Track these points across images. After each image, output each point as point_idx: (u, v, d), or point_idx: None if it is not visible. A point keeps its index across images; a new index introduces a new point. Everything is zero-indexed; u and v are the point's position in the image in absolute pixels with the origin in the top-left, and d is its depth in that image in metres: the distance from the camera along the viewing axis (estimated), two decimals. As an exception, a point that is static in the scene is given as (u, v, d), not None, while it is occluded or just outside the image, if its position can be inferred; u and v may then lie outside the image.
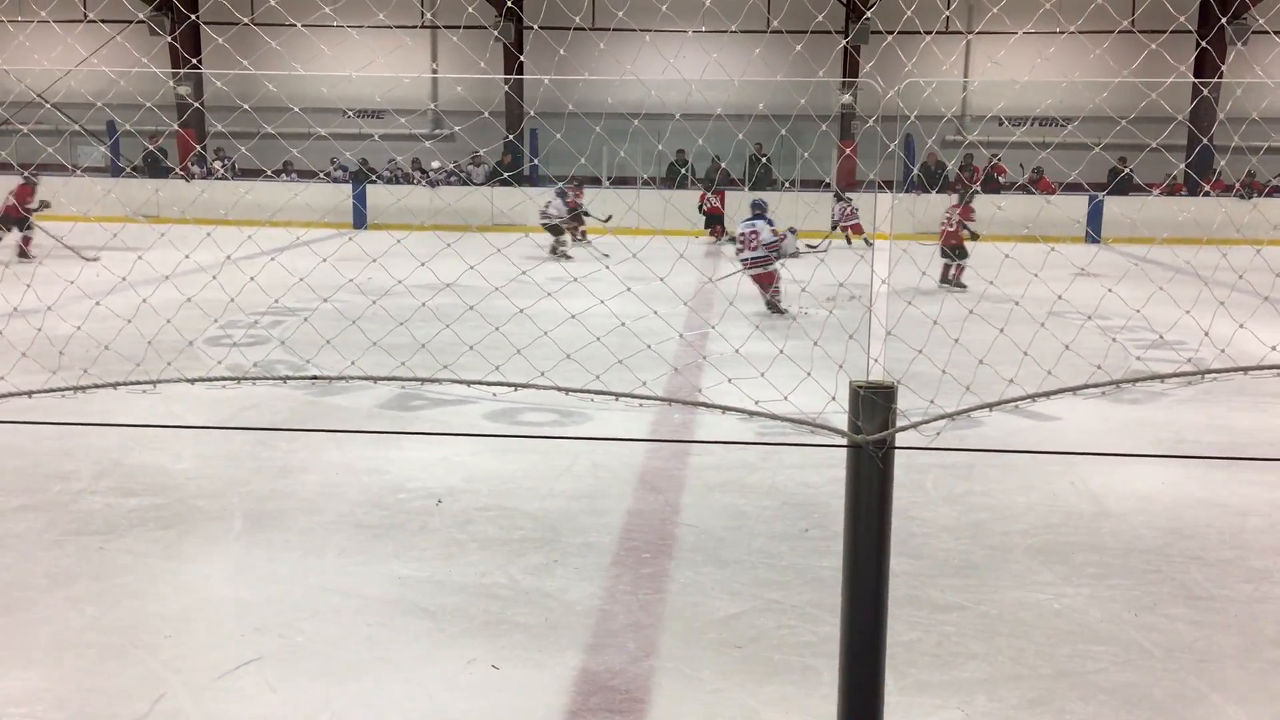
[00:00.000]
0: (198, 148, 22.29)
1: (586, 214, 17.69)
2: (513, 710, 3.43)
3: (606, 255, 16.00)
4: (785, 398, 2.56)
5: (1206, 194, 16.83)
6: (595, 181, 18.88)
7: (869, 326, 2.21)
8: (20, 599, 4.15)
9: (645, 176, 20.12)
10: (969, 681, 3.62)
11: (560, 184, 17.98)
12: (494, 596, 4.24)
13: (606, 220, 15.78)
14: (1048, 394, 2.00)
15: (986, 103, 23.25)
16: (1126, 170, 5.17)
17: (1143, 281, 4.03)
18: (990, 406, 2.04)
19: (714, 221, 20.19)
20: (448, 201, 19.45)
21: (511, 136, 20.00)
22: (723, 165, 20.89)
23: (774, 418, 2.05)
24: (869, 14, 19.23)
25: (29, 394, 2.20)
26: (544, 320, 4.26)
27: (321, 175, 21.56)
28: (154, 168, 21.85)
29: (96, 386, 2.01)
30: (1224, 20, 4.45)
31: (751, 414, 2.08)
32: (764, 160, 21.33)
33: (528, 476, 5.72)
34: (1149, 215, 17.76)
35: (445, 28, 24.84)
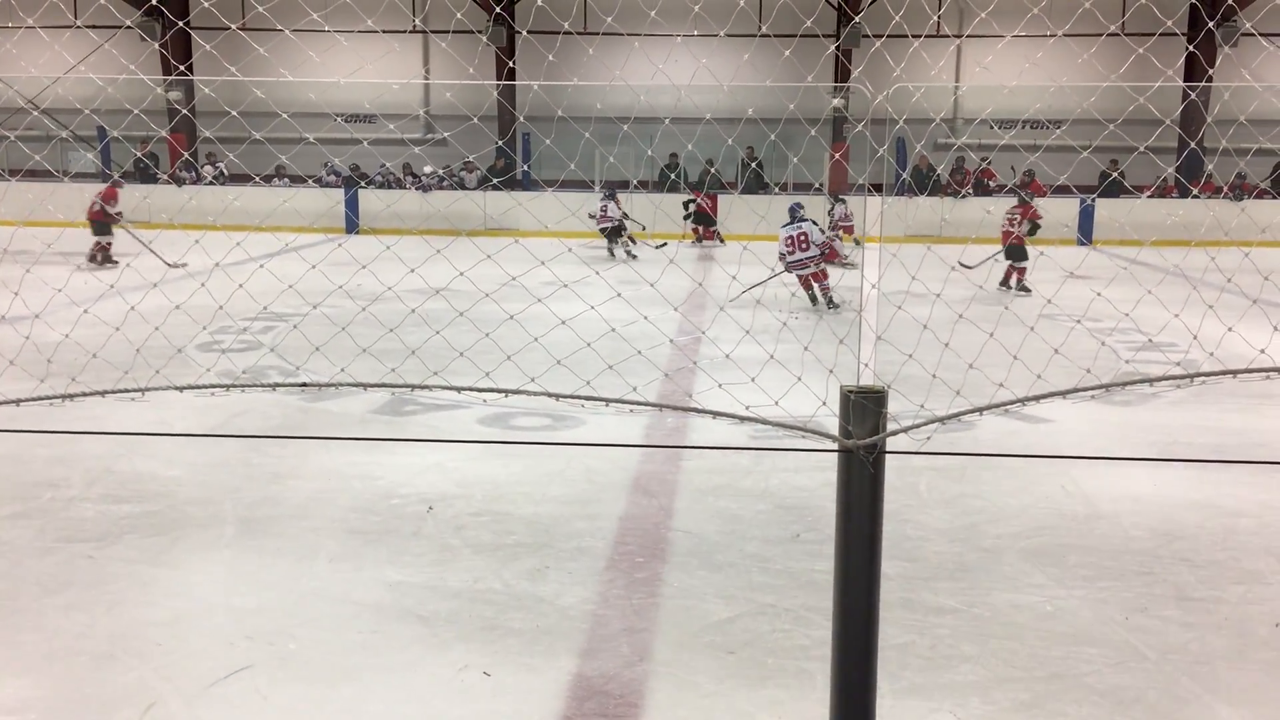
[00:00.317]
0: (185, 154, 22.24)
1: (627, 217, 18.24)
2: (507, 716, 3.42)
3: (664, 244, 16.44)
4: (776, 403, 2.57)
5: (1196, 196, 16.89)
6: (623, 185, 19.02)
7: (859, 331, 2.21)
8: (11, 607, 4.14)
9: (635, 180, 20.14)
10: (962, 684, 3.62)
11: (607, 189, 18.46)
12: (487, 602, 4.23)
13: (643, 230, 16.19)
14: (1038, 398, 2.01)
15: (977, 106, 23.33)
16: (1116, 174, 5.18)
17: (1132, 284, 4.05)
18: (980, 410, 2.04)
19: (702, 221, 20.10)
20: (437, 207, 19.45)
21: (501, 142, 20.01)
22: (713, 169, 20.90)
23: (765, 423, 2.05)
24: (858, 18, 19.28)
25: (17, 402, 2.19)
26: (536, 325, 4.26)
27: (312, 181, 21.53)
28: (144, 174, 21.79)
29: (85, 394, 2.00)
30: (1211, 24, 4.46)
31: (743, 419, 2.08)
32: (755, 164, 21.35)
33: (520, 481, 5.72)
34: (1139, 218, 17.81)
35: (436, 32, 24.84)
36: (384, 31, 22.21)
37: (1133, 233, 16.24)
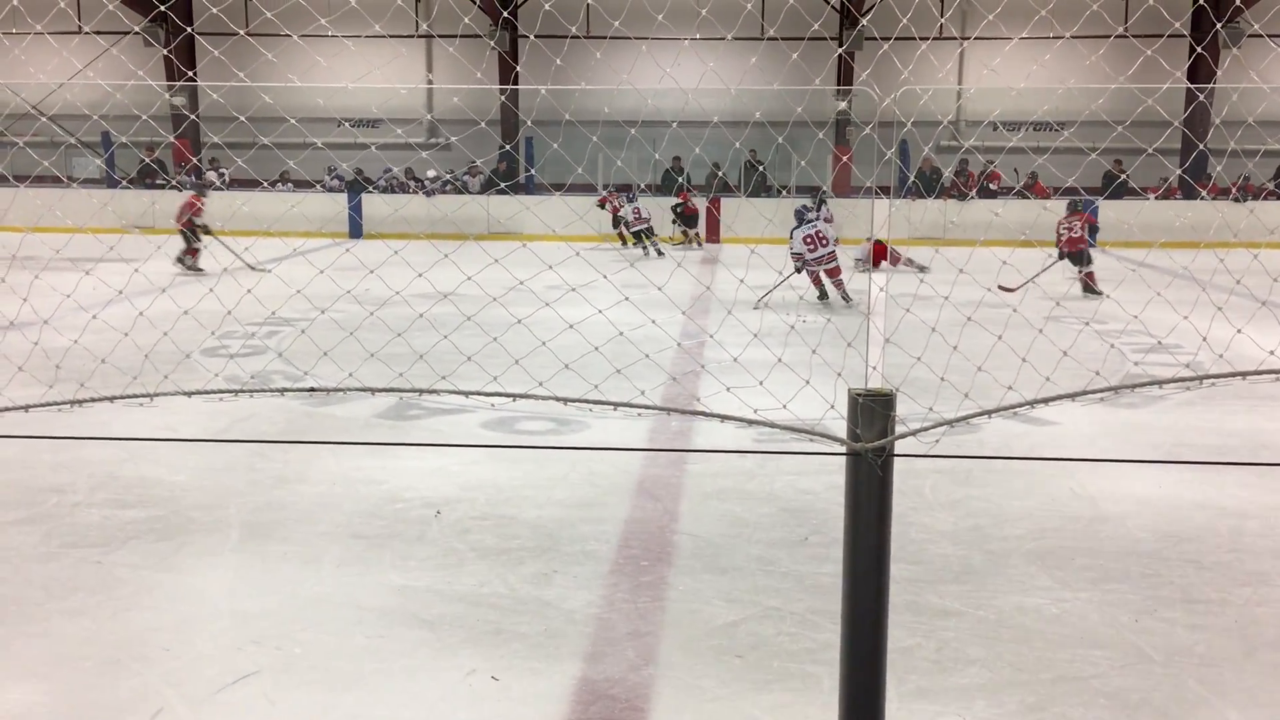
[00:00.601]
0: (194, 160, 22.29)
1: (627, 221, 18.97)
2: (512, 720, 3.42)
3: (697, 234, 17.05)
4: (784, 406, 2.56)
5: (1202, 198, 16.85)
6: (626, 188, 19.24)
7: (867, 333, 2.21)
8: (16, 612, 4.14)
9: (642, 184, 20.12)
10: (969, 687, 3.61)
11: (629, 193, 19.15)
12: (492, 606, 4.23)
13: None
14: (1046, 400, 2.00)
15: (982, 108, 23.30)
16: (1124, 176, 5.17)
17: (1139, 286, 4.04)
18: (989, 413, 2.04)
19: (690, 222, 20.03)
20: (445, 212, 19.49)
21: (509, 146, 20.02)
22: (720, 173, 20.90)
23: (773, 426, 2.04)
24: (865, 21, 19.26)
25: (25, 408, 2.20)
26: (542, 329, 4.26)
27: (318, 186, 21.55)
28: (149, 179, 21.83)
29: (94, 400, 2.00)
30: (1220, 25, 4.45)
31: (751, 422, 2.07)
32: (759, 167, 21.34)
33: (525, 485, 5.71)
34: (1144, 219, 17.79)
35: (441, 36, 24.88)
36: (389, 36, 22.24)
37: (1140, 234, 16.20)
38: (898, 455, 2.00)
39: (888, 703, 2.68)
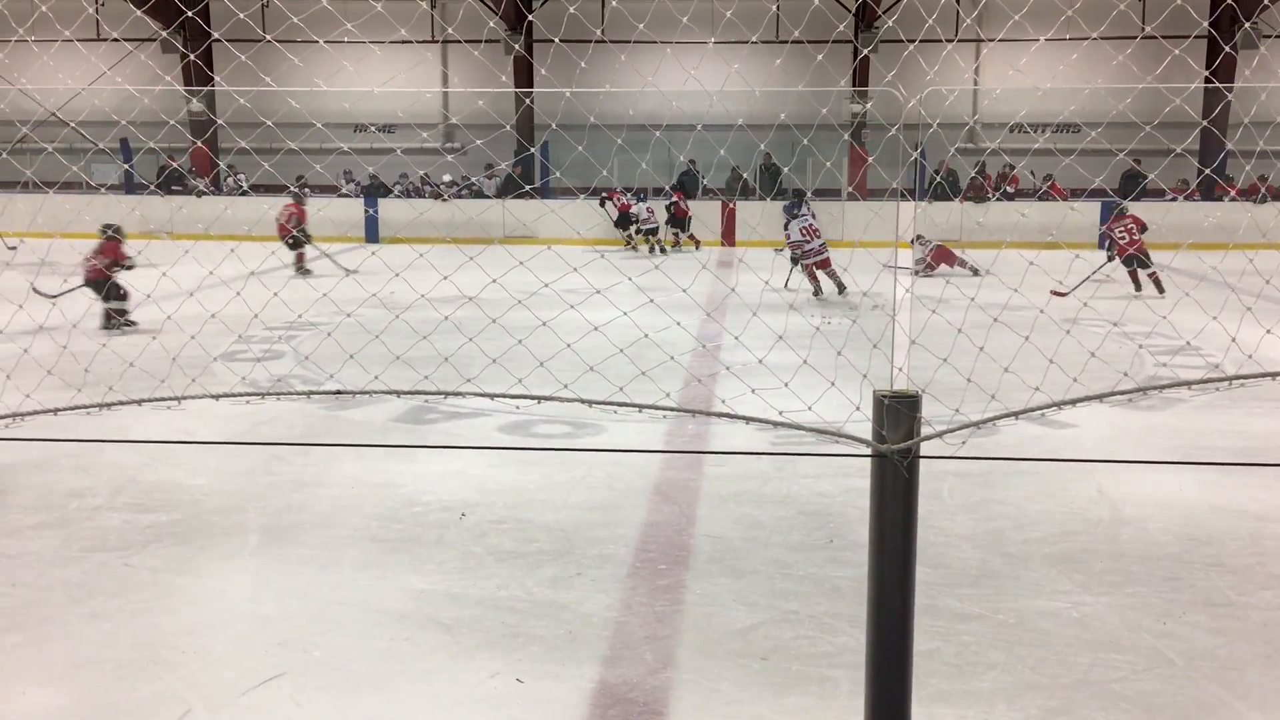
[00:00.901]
0: (222, 165, 22.41)
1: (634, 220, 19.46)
2: (530, 723, 3.42)
3: (691, 235, 18.22)
4: (809, 408, 2.56)
5: (1230, 199, 16.75)
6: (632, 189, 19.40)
7: (893, 335, 2.20)
8: (37, 615, 4.16)
9: (667, 187, 20.15)
10: (989, 691, 3.59)
11: (640, 194, 19.62)
12: (510, 609, 4.23)
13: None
14: (1074, 401, 1.99)
15: (999, 110, 23.21)
16: (1150, 176, 5.14)
17: (1170, 288, 4.02)
18: (1016, 415, 2.03)
19: (679, 224, 19.94)
20: (471, 215, 19.56)
21: (534, 149, 20.09)
22: (744, 174, 20.84)
23: (798, 428, 2.04)
24: (891, 22, 19.21)
25: (55, 411, 2.21)
26: (563, 332, 4.25)
27: (345, 188, 21.63)
28: (168, 185, 21.94)
29: (122, 403, 2.01)
30: (1247, 24, 4.42)
31: (776, 424, 2.07)
32: (776, 168, 21.32)
33: (542, 488, 5.72)
34: (1162, 220, 17.69)
35: (458, 42, 24.95)
36: (407, 42, 22.32)
37: (1162, 235, 16.09)
38: (924, 457, 1.99)
39: (908, 706, 2.67)
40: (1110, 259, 13.68)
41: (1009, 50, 22.77)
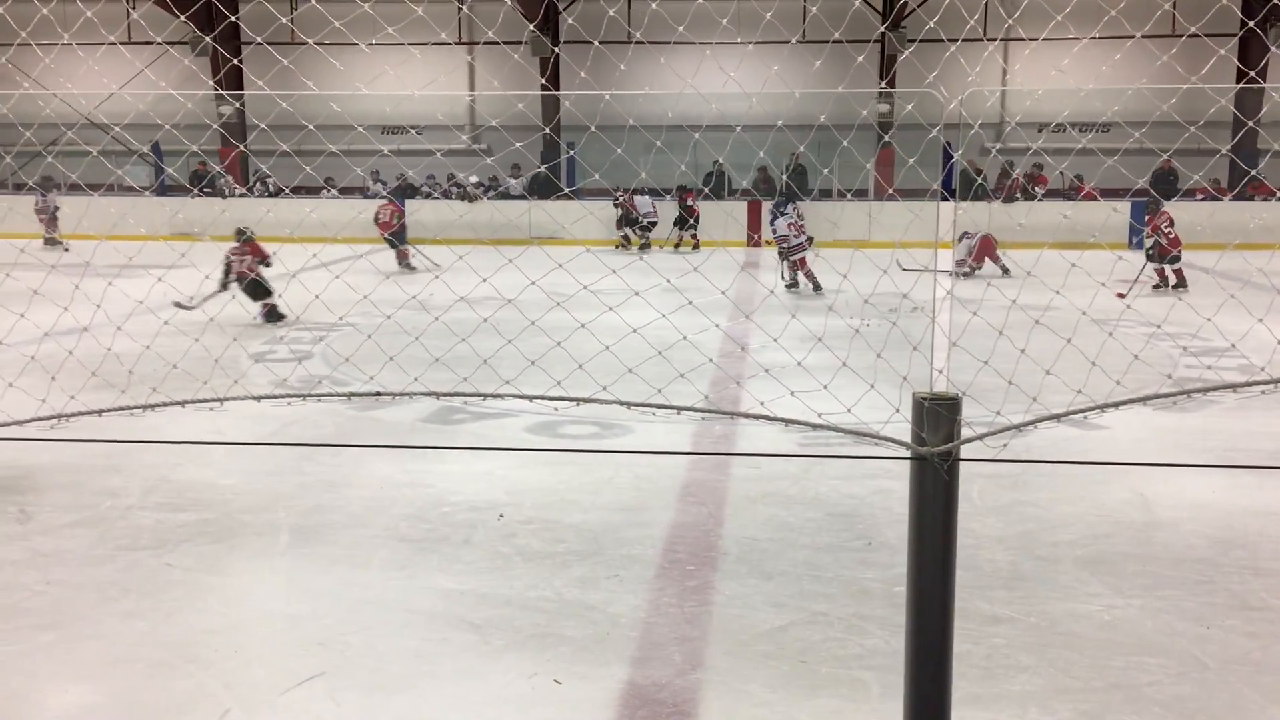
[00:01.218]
0: (263, 168, 22.55)
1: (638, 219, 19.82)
2: (560, 724, 3.42)
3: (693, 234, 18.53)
4: (849, 410, 2.55)
5: (1266, 199, 16.58)
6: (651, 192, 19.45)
7: (932, 337, 2.18)
8: (71, 614, 4.21)
9: (701, 188, 20.14)
10: (1020, 694, 3.57)
11: (654, 194, 19.71)
12: (539, 610, 4.24)
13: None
14: (1117, 404, 1.97)
15: (1028, 110, 23.04)
16: (1195, 178, 5.09)
17: (1207, 290, 3.98)
18: (1058, 417, 2.01)
19: (686, 224, 19.83)
20: (503, 217, 19.66)
21: (573, 151, 20.13)
22: (785, 175, 20.79)
23: (838, 430, 2.03)
24: (932, 22, 19.10)
25: (99, 412, 2.24)
26: (592, 333, 4.26)
27: (377, 187, 21.73)
28: (199, 187, 22.11)
29: (165, 405, 2.03)
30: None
31: (815, 426, 2.06)
32: (803, 168, 21.24)
33: (570, 489, 5.73)
34: (1194, 220, 17.51)
35: (483, 43, 25.02)
36: (435, 44, 22.40)
37: (1194, 236, 15.94)
38: (964, 459, 1.98)
39: (939, 709, 2.65)
40: (1152, 257, 13.62)
41: (1038, 50, 22.60)
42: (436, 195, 22.22)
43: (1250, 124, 3.94)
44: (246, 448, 6.31)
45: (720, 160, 21.45)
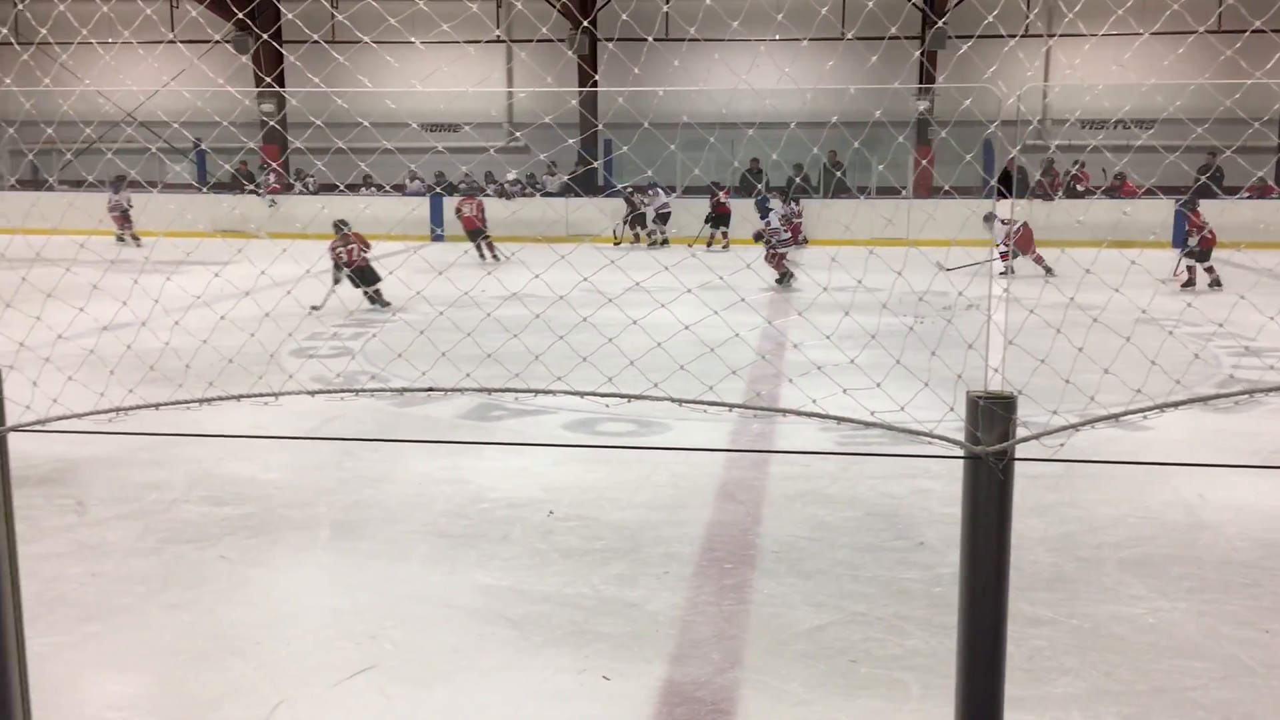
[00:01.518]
0: (320, 166, 22.77)
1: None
2: (598, 720, 3.43)
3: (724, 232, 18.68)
4: (902, 408, 2.53)
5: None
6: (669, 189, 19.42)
7: (987, 335, 2.16)
8: (116, 605, 4.26)
9: (727, 187, 20.08)
10: (1062, 697, 3.54)
11: (668, 189, 19.93)
12: (577, 606, 4.25)
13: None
14: (1175, 404, 1.94)
15: (1068, 106, 22.81)
16: (1260, 175, 5.02)
17: (1244, 289, 3.92)
18: (1117, 417, 1.99)
19: (722, 222, 19.81)
20: (565, 215, 19.86)
21: (631, 150, 20.15)
22: (833, 167, 20.71)
23: (890, 428, 2.02)
24: (991, 17, 18.95)
25: (156, 406, 2.27)
26: (629, 330, 4.24)
27: (413, 184, 21.88)
28: (241, 185, 22.35)
29: (221, 399, 2.06)
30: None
31: (868, 424, 2.05)
32: (840, 166, 21.16)
33: (608, 487, 5.73)
34: (1239, 220, 17.26)
35: (521, 42, 25.10)
36: (470, 42, 22.49)
37: (1237, 235, 15.72)
38: (1020, 459, 1.97)
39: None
40: (1193, 254, 13.50)
41: (1077, 45, 22.36)
42: (467, 191, 22.30)
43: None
44: (287, 442, 6.37)
45: (754, 159, 21.42)
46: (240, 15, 19.92)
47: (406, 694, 3.58)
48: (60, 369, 3.03)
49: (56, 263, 3.57)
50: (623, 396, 1.93)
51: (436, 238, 20.97)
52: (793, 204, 19.22)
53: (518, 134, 21.69)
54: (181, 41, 23.92)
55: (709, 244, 19.65)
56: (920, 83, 21.49)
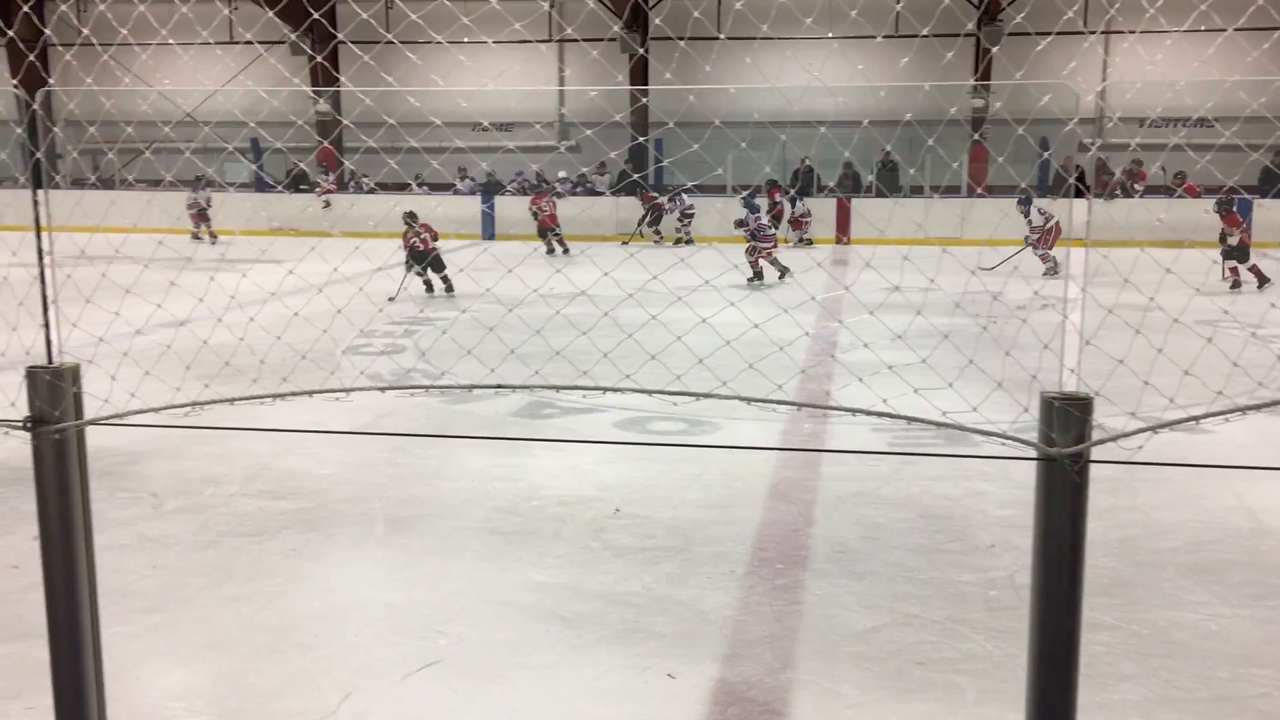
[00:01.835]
0: (396, 167, 23.02)
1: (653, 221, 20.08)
2: (650, 719, 3.43)
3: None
4: (974, 409, 2.50)
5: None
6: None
7: (1063, 335, 2.13)
8: (177, 597, 4.34)
9: (782, 186, 19.95)
10: (1122, 704, 3.48)
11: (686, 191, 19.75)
12: (629, 604, 4.26)
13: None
14: (1258, 406, 1.90)
15: (1130, 105, 22.42)
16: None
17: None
18: (1197, 419, 1.95)
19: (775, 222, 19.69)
20: (614, 214, 19.95)
21: (684, 150, 20.17)
22: (885, 166, 20.52)
23: (962, 429, 1.99)
24: (1071, 12, 18.72)
25: (231, 401, 2.31)
26: (713, 329, 4.23)
27: (461, 185, 22.03)
28: (296, 185, 22.64)
29: (295, 394, 2.09)
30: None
31: (939, 425, 2.03)
32: (895, 164, 20.96)
33: (659, 485, 5.73)
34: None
35: (574, 41, 25.16)
36: (523, 41, 22.60)
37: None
38: (1094, 461, 1.94)
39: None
40: (1234, 255, 13.42)
41: (1138, 42, 21.96)
42: (519, 191, 22.40)
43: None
44: (342, 438, 6.44)
45: (806, 158, 21.29)
46: (295, 17, 20.17)
47: (459, 687, 3.60)
48: (138, 363, 3.11)
49: (135, 260, 3.65)
50: (692, 395, 1.93)
51: (488, 236, 21.12)
52: (800, 201, 19.26)
53: (577, 137, 21.79)
54: (241, 43, 24.28)
55: (811, 244, 19.63)
56: (975, 79, 21.23)
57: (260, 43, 23.77)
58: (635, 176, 18.70)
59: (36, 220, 2.22)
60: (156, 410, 2.40)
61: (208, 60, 22.97)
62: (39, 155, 2.55)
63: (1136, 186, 20.55)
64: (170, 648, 3.93)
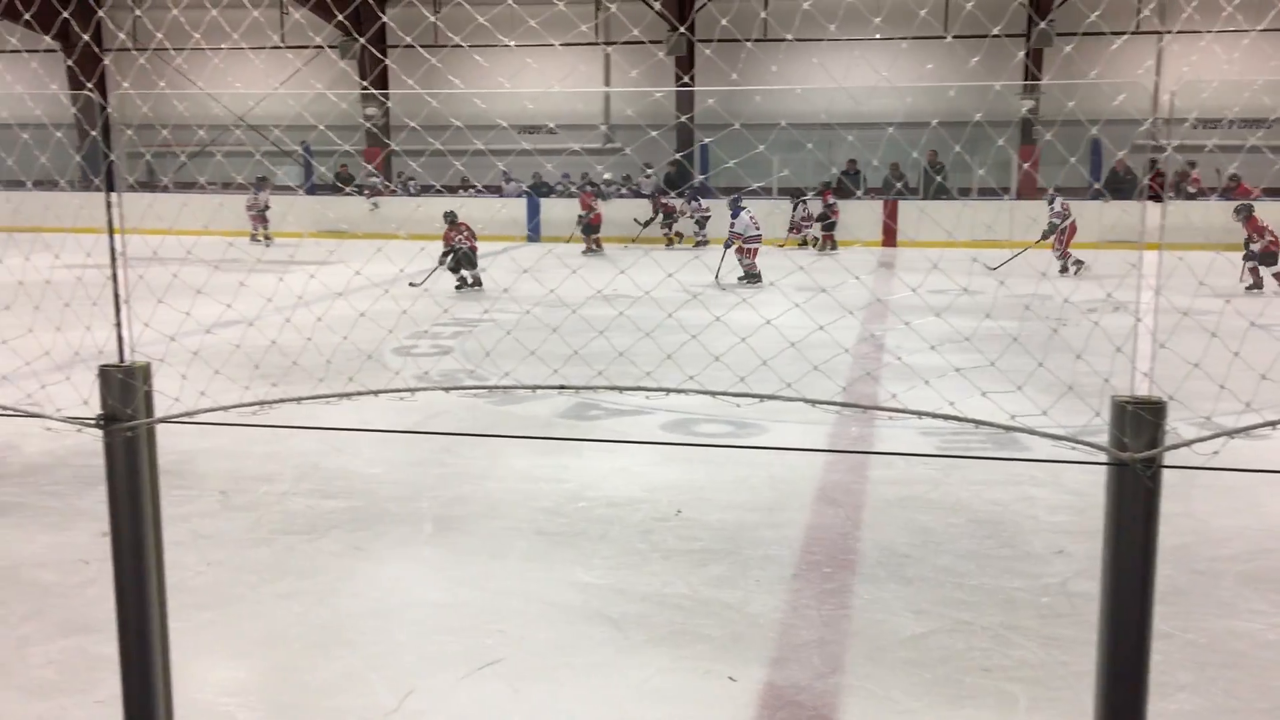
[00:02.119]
0: (448, 169, 23.24)
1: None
2: (699, 721, 3.43)
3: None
4: (1044, 413, 2.48)
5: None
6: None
7: (1135, 339, 2.10)
8: (230, 594, 4.39)
9: (816, 188, 19.84)
10: (1178, 714, 3.43)
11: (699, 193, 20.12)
12: (676, 607, 4.25)
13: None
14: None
15: (1182, 106, 22.07)
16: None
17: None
18: (1274, 424, 1.92)
19: (830, 227, 19.51)
20: (666, 218, 20.07)
21: (726, 151, 20.20)
22: (933, 169, 20.37)
23: (1032, 433, 1.97)
24: (1148, 10, 18.53)
25: (299, 400, 2.34)
26: (777, 329, 4.21)
27: (505, 189, 22.13)
28: (343, 186, 22.87)
29: (360, 394, 2.11)
30: None
31: (1007, 429, 2.01)
32: (941, 166, 20.80)
33: (706, 487, 5.72)
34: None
35: (620, 44, 25.22)
36: (564, 44, 22.70)
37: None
38: (1167, 466, 1.91)
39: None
40: (1257, 258, 13.35)
41: (1193, 43, 21.64)
42: (564, 193, 22.48)
43: None
44: (391, 437, 6.49)
45: (852, 160, 21.18)
46: (341, 20, 20.38)
47: (506, 687, 3.61)
48: (207, 363, 3.16)
49: (205, 262, 3.71)
50: (755, 397, 1.92)
51: (531, 239, 21.21)
52: (803, 205, 19.20)
53: (628, 141, 21.90)
54: (288, 47, 24.56)
55: (818, 244, 19.46)
56: (1026, 80, 21.02)
57: (313, 48, 24.04)
58: (698, 178, 18.86)
59: (109, 222, 2.26)
60: (226, 409, 2.43)
61: (249, 66, 23.22)
62: (113, 158, 2.59)
63: (1190, 190, 20.23)
64: (224, 644, 3.97)
